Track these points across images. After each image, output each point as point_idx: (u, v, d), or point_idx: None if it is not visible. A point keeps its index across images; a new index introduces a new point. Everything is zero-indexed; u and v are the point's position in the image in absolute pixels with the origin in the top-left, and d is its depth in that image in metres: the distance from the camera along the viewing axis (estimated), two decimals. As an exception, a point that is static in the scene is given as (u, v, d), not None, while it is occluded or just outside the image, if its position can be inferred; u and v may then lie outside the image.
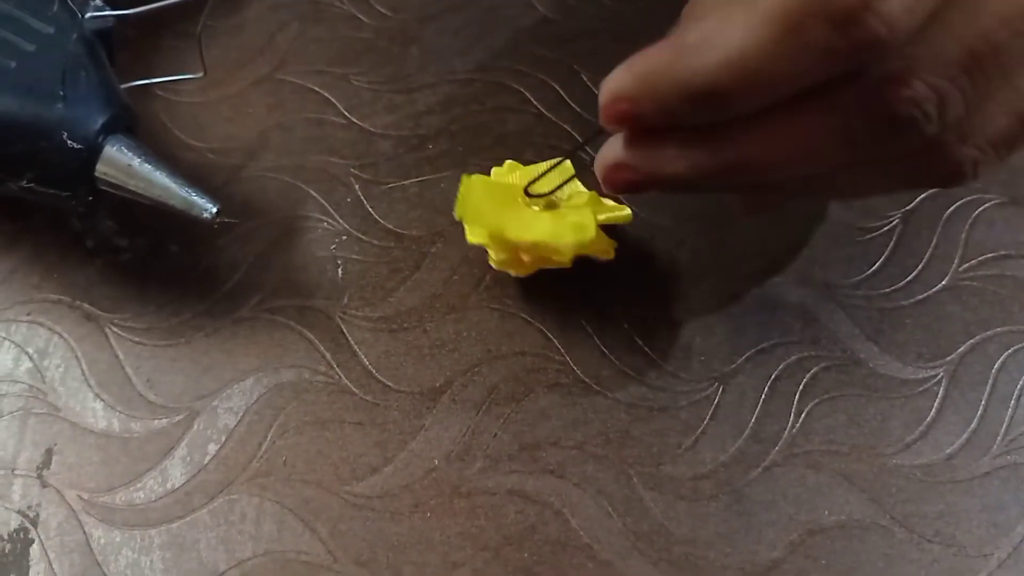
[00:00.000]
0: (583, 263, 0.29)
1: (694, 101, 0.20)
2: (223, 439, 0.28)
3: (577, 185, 0.30)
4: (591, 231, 0.27)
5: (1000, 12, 0.19)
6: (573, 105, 0.33)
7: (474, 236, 0.28)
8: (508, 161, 0.31)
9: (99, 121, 0.27)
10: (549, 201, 0.29)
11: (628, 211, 0.30)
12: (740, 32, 0.19)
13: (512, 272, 0.29)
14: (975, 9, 0.19)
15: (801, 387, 0.29)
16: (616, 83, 0.22)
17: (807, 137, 0.20)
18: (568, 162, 0.30)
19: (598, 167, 0.23)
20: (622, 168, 0.23)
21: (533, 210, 0.29)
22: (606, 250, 0.29)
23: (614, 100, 0.21)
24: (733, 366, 0.29)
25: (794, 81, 0.19)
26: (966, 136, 0.20)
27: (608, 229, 0.29)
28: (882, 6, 0.18)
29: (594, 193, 0.30)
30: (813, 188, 0.24)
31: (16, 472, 0.28)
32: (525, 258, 0.28)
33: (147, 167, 0.27)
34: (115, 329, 0.30)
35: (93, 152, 0.27)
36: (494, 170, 0.31)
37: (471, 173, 0.28)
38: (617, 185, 0.23)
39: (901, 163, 0.22)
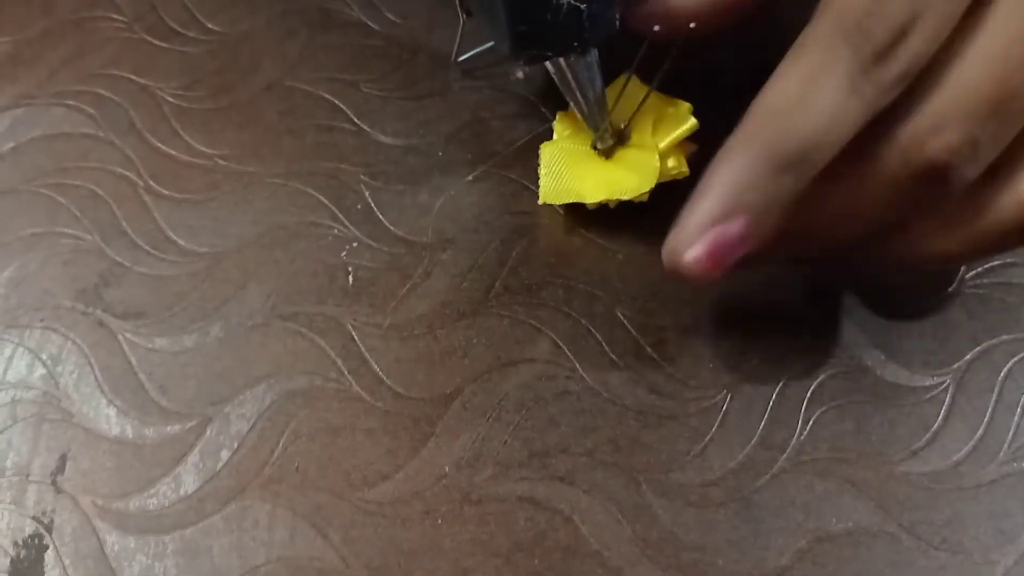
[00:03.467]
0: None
1: (796, 172, 0.22)
2: (236, 445, 0.28)
3: (639, 96, 0.29)
4: (654, 172, 0.29)
5: (1014, 56, 0.21)
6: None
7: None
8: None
9: (613, 19, 0.27)
10: (618, 133, 0.30)
11: (693, 120, 0.29)
12: (809, 92, 0.21)
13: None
14: (992, 59, 0.21)
15: (809, 394, 0.29)
16: (704, 211, 0.22)
17: (857, 194, 0.23)
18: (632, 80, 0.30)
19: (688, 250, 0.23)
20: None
21: (604, 162, 0.30)
22: (679, 167, 0.30)
23: (709, 229, 0.22)
24: (741, 373, 0.29)
25: (852, 127, 0.22)
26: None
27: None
28: (902, 41, 0.21)
29: (655, 100, 0.30)
30: (884, 253, 0.25)
31: (31, 478, 0.28)
32: (611, 204, 0.30)
33: (594, 91, 0.28)
34: (128, 335, 0.30)
35: (586, 42, 0.27)
36: (557, 118, 0.31)
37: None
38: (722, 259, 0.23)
39: (953, 229, 0.23)
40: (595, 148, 0.30)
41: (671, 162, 0.29)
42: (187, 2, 0.36)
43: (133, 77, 0.35)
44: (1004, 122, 0.21)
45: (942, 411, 0.29)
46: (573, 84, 0.28)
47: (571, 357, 0.29)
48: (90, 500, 0.28)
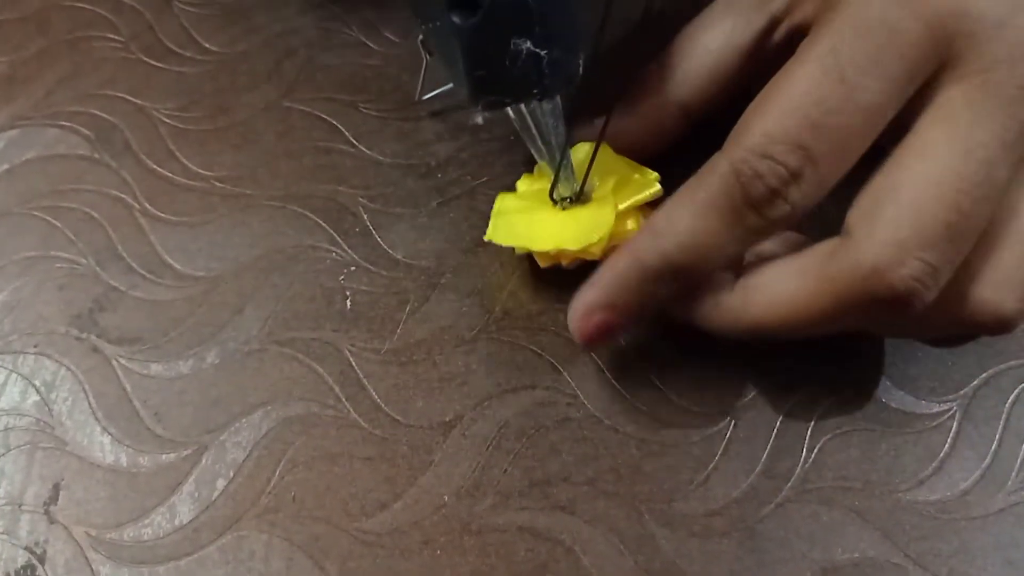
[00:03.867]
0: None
1: (664, 280, 0.25)
2: (231, 474, 0.28)
3: (607, 161, 0.29)
4: (606, 226, 0.28)
5: (958, 187, 0.22)
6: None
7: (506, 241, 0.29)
8: (538, 166, 0.30)
9: (576, 67, 0.26)
10: (578, 191, 0.29)
11: (658, 186, 0.29)
12: (686, 220, 0.24)
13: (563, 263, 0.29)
14: (937, 191, 0.22)
15: (813, 422, 0.28)
16: (588, 297, 0.26)
17: (813, 313, 0.24)
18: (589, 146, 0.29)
19: (572, 320, 0.27)
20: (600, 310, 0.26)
21: (559, 213, 0.29)
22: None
23: (589, 314, 0.26)
24: (744, 400, 0.29)
25: (736, 247, 0.25)
26: (990, 290, 0.23)
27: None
28: (787, 192, 0.23)
29: (623, 165, 0.29)
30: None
31: (23, 507, 0.28)
32: (564, 262, 0.29)
33: (557, 138, 0.28)
34: (123, 361, 0.30)
35: (545, 90, 0.26)
36: (522, 178, 0.31)
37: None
38: (594, 332, 0.27)
39: (920, 324, 0.25)
40: (553, 200, 0.29)
41: (630, 223, 0.28)
42: (184, 22, 0.36)
43: (129, 98, 0.34)
44: (960, 244, 0.22)
45: (949, 438, 0.28)
46: (534, 131, 0.28)
47: (572, 384, 0.29)
48: (83, 530, 0.27)
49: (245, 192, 0.32)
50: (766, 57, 0.27)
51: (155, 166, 0.33)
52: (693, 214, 0.24)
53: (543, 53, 0.25)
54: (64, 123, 0.34)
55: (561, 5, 0.24)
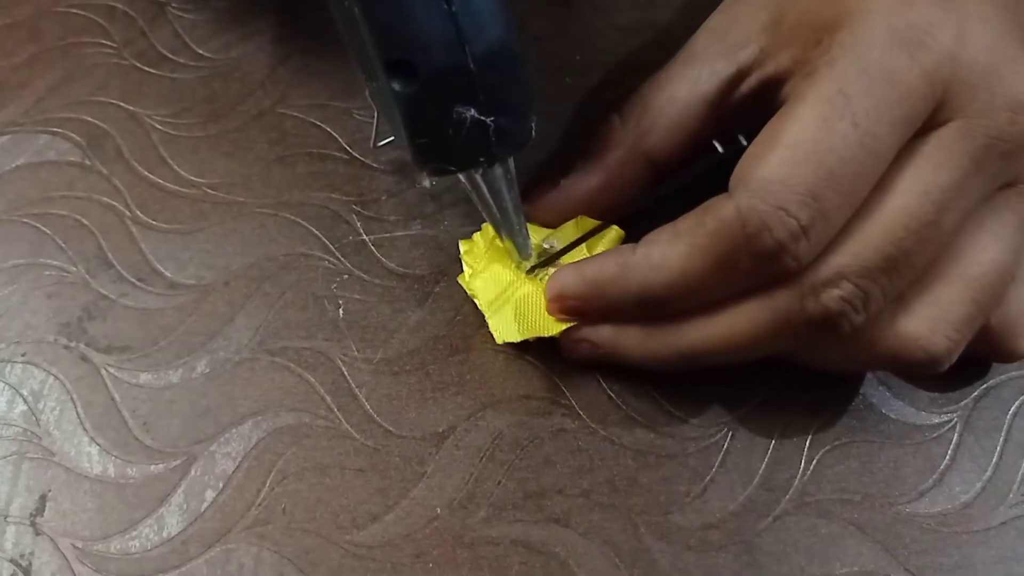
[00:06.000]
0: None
1: (639, 305, 0.25)
2: (221, 486, 0.28)
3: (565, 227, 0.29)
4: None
5: (906, 224, 0.23)
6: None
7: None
8: (476, 234, 0.30)
9: (527, 131, 0.25)
10: (542, 251, 0.29)
11: (616, 230, 0.29)
12: (682, 261, 0.24)
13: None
14: (885, 224, 0.23)
15: (812, 433, 0.28)
16: (567, 284, 0.27)
17: (752, 331, 0.24)
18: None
19: (561, 337, 0.28)
20: (585, 342, 0.27)
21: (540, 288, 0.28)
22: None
23: (562, 297, 0.27)
24: (742, 411, 0.28)
25: (723, 291, 0.25)
26: (922, 326, 0.24)
27: None
28: (795, 247, 0.22)
29: (584, 221, 0.29)
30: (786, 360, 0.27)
31: (9, 519, 0.27)
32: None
33: (511, 203, 0.27)
34: (111, 370, 0.29)
35: (493, 157, 0.25)
36: (462, 249, 0.30)
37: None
38: (579, 356, 0.28)
39: (850, 349, 0.25)
40: (526, 270, 0.29)
41: None
42: (178, 28, 0.36)
43: (121, 104, 0.34)
44: (895, 277, 0.23)
45: (949, 450, 0.28)
46: (488, 197, 0.27)
47: (567, 394, 0.29)
48: (70, 542, 0.27)
49: (237, 199, 0.32)
50: (732, 108, 0.27)
51: (147, 173, 0.32)
52: (688, 256, 0.24)
53: (489, 120, 0.23)
54: (55, 129, 0.33)
55: (506, 71, 0.23)
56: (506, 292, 0.28)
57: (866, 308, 0.23)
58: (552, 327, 0.27)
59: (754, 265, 0.23)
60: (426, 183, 0.28)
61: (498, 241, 0.29)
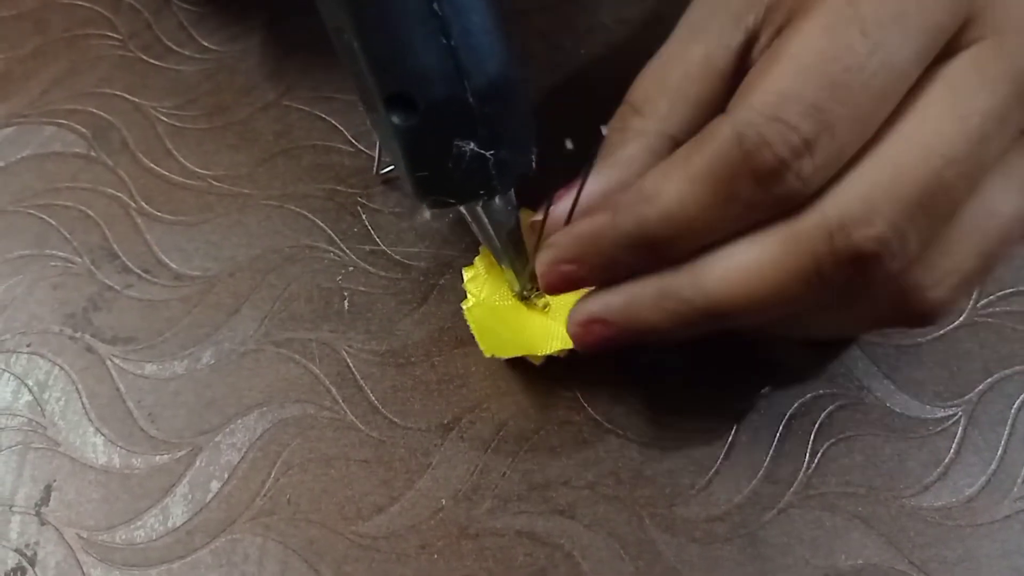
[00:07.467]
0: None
1: (638, 250, 0.22)
2: (226, 476, 0.28)
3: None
4: None
5: (942, 152, 0.20)
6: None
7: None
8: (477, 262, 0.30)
9: (527, 163, 0.25)
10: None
11: None
12: (676, 188, 0.21)
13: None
14: (919, 152, 0.20)
15: (817, 426, 0.28)
16: (559, 247, 0.24)
17: (775, 275, 0.21)
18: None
19: (570, 326, 0.25)
20: (596, 322, 0.24)
21: (536, 313, 0.28)
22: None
23: (556, 263, 0.24)
24: (747, 404, 0.28)
25: (731, 226, 0.22)
26: (927, 274, 0.22)
27: None
28: (799, 165, 0.20)
29: None
30: (785, 330, 0.25)
31: (14, 509, 0.27)
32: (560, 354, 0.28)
33: (512, 234, 0.27)
34: (117, 361, 0.29)
35: (493, 189, 0.25)
36: (465, 278, 0.29)
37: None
38: (593, 341, 0.24)
39: (868, 302, 0.23)
40: (523, 298, 0.28)
41: None
42: (183, 20, 0.36)
43: (127, 96, 0.34)
44: (933, 217, 0.21)
45: (954, 444, 0.28)
46: (490, 228, 0.26)
47: (572, 386, 0.29)
48: (75, 532, 0.27)
49: (243, 191, 0.32)
50: (748, 71, 0.24)
51: (152, 165, 0.32)
52: (684, 182, 0.21)
53: (489, 154, 0.23)
54: (60, 121, 0.33)
55: (506, 104, 0.23)
56: (500, 314, 0.28)
57: (903, 251, 0.20)
58: (542, 346, 0.27)
59: (757, 190, 0.21)
60: (426, 215, 0.28)
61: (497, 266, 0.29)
